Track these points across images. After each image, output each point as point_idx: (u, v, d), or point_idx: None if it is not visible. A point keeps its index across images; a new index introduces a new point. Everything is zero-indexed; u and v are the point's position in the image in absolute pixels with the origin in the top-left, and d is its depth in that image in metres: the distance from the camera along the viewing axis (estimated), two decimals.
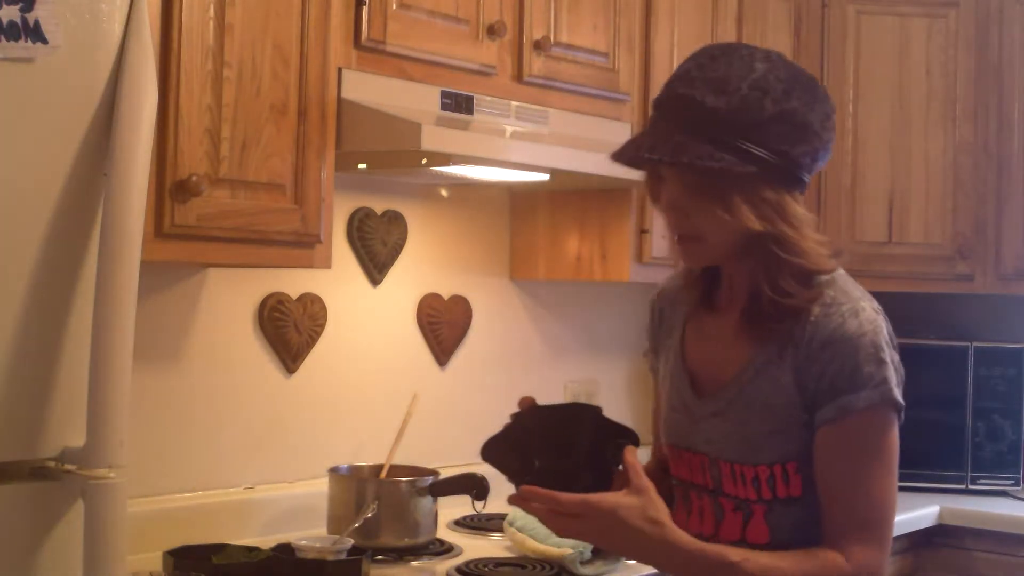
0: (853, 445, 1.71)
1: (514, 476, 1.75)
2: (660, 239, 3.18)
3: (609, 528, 1.67)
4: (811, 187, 1.79)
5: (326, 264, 2.47)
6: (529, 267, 3.37)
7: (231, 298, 2.74)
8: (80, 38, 1.64)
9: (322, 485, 2.71)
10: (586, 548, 2.52)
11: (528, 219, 3.36)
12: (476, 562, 2.57)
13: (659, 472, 1.94)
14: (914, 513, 3.39)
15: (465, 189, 3.23)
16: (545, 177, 2.90)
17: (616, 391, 3.67)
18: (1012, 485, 3.66)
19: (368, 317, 3.03)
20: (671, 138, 1.69)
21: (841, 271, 1.79)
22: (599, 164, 2.77)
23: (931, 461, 3.65)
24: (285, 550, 2.37)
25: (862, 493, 1.70)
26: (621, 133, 3.06)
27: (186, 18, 2.18)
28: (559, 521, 1.70)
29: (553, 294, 3.50)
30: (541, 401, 1.79)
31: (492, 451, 1.78)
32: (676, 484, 1.89)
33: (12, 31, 1.56)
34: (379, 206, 3.02)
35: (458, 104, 2.67)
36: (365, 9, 2.49)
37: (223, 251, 2.31)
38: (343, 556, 2.35)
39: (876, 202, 3.73)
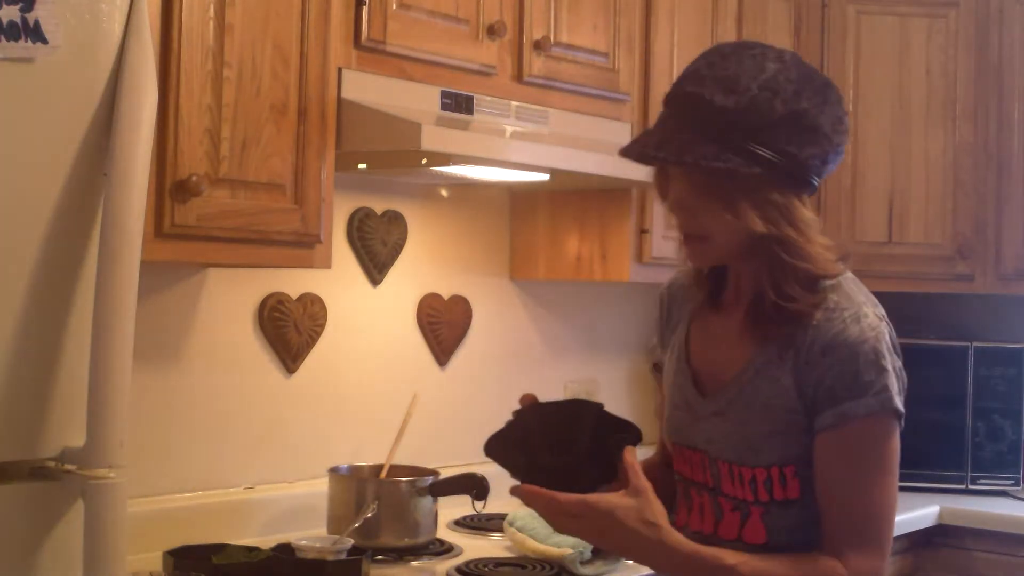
0: (852, 452, 1.70)
1: (518, 472, 1.75)
2: (660, 239, 3.18)
3: (606, 529, 1.67)
4: None
5: (326, 264, 2.47)
6: (529, 267, 3.37)
7: (231, 298, 2.73)
8: (80, 38, 1.64)
9: (322, 485, 2.71)
10: (586, 548, 2.52)
11: (528, 219, 3.36)
12: (476, 562, 2.57)
13: (662, 469, 1.94)
14: (914, 513, 3.39)
15: (465, 189, 3.23)
16: (545, 177, 2.90)
17: (616, 391, 3.66)
18: (1012, 485, 3.66)
19: (368, 317, 3.02)
20: (679, 136, 1.67)
21: (848, 274, 1.78)
22: (599, 164, 2.78)
23: (931, 461, 3.65)
24: (285, 550, 2.37)
25: (861, 501, 1.70)
26: (621, 133, 3.06)
27: (186, 18, 2.18)
28: (558, 519, 1.70)
29: (553, 294, 3.50)
30: (542, 400, 1.80)
31: (495, 447, 1.78)
32: (678, 480, 1.89)
33: (12, 31, 1.56)
34: (379, 206, 3.02)
35: (458, 104, 2.67)
36: (365, 9, 2.49)
37: (223, 251, 2.31)
38: (343, 556, 2.35)
39: (876, 202, 3.73)
